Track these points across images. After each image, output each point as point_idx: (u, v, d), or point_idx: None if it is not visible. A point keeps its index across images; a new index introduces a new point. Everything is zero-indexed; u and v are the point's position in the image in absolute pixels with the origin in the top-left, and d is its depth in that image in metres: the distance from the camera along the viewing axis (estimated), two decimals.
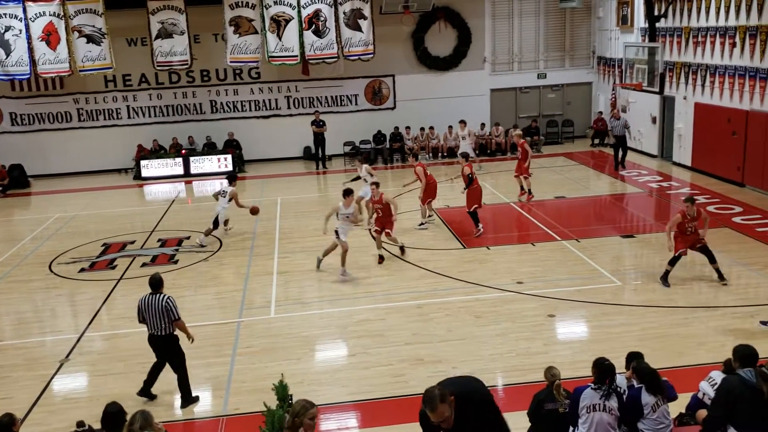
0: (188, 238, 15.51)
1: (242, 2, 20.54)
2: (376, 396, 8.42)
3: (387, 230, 13.19)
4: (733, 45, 17.28)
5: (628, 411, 6.19)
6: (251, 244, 14.83)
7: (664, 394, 6.22)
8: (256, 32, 20.66)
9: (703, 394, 6.48)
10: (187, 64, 21.26)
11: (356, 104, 24.24)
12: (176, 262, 13.96)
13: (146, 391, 8.59)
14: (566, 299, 11.04)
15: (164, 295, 8.28)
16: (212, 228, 14.92)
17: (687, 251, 11.35)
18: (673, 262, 11.28)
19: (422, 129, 23.65)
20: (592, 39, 24.86)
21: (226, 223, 15.50)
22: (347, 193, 12.69)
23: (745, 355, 6.00)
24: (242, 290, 12.18)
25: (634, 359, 6.70)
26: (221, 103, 23.78)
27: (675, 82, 19.93)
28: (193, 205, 19.47)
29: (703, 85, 18.67)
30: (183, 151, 22.68)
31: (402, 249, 13.47)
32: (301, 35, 20.51)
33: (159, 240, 15.53)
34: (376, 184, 13.71)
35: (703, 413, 6.23)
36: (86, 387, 9.23)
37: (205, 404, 8.58)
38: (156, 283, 8.34)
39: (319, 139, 22.54)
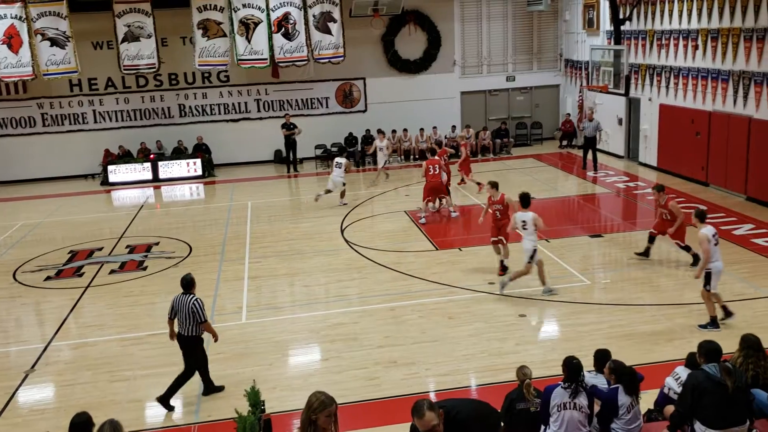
0: (157, 244, 15.35)
1: (210, 5, 20.38)
2: (350, 400, 8.40)
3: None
4: (696, 47, 17.64)
5: (603, 411, 6.24)
6: (221, 249, 14.72)
7: (638, 395, 6.31)
8: (224, 35, 20.52)
9: (669, 389, 6.61)
10: (154, 68, 21.03)
11: (327, 107, 24.22)
12: (145, 268, 13.80)
13: (209, 387, 8.63)
14: (537, 299, 11.16)
15: (193, 296, 8.40)
16: (327, 192, 17.42)
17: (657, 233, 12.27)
18: (649, 239, 12.48)
19: (394, 131, 23.72)
20: (559, 42, 25.18)
21: (327, 192, 17.50)
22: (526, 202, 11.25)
23: (709, 350, 6.13)
24: (213, 296, 12.06)
25: (603, 357, 6.81)
26: (190, 107, 23.57)
27: (640, 84, 20.28)
28: (162, 211, 19.27)
29: (667, 87, 19.03)
30: (151, 156, 22.43)
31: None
32: (270, 38, 20.43)
33: (127, 246, 15.33)
34: (494, 184, 12.45)
35: (670, 409, 6.34)
36: (53, 397, 9.06)
37: (177, 412, 8.48)
38: (187, 284, 8.47)
39: (290, 143, 22.47)
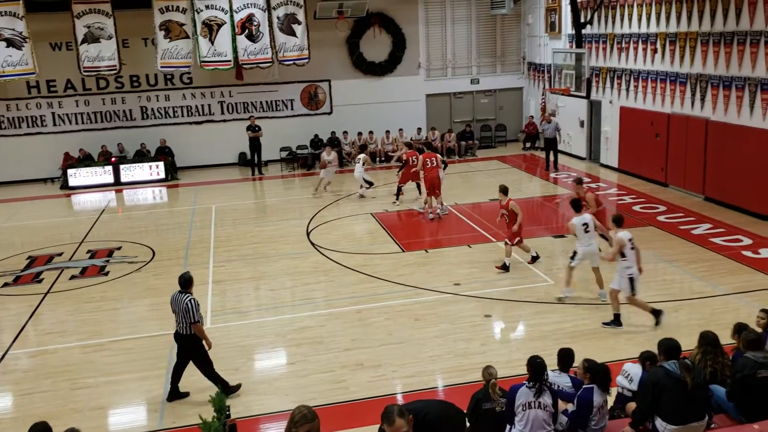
0: (119, 248, 15.10)
1: (173, 6, 20.13)
2: (317, 403, 8.36)
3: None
4: (655, 51, 18.02)
5: (578, 412, 6.28)
6: (185, 254, 14.55)
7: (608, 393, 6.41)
8: (187, 37, 20.30)
9: (622, 388, 6.72)
10: (115, 70, 20.68)
11: (292, 109, 24.12)
12: (107, 273, 13.56)
13: (175, 393, 8.51)
14: (502, 299, 11.27)
15: (188, 296, 8.28)
16: (368, 186, 18.25)
17: None
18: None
19: (360, 134, 23.73)
20: (522, 45, 25.48)
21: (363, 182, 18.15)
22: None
23: (669, 347, 6.26)
24: None
25: (566, 356, 6.90)
26: (152, 109, 23.25)
27: (601, 87, 20.64)
28: (124, 215, 18.97)
29: (627, 90, 19.39)
30: (113, 159, 22.06)
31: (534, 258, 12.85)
32: (234, 40, 20.26)
33: (88, 251, 15.05)
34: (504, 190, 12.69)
35: (632, 406, 6.46)
36: (11, 407, 8.84)
37: (141, 419, 8.36)
38: (184, 282, 8.38)
39: (255, 145, 22.33)
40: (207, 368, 8.50)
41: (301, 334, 10.34)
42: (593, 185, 18.92)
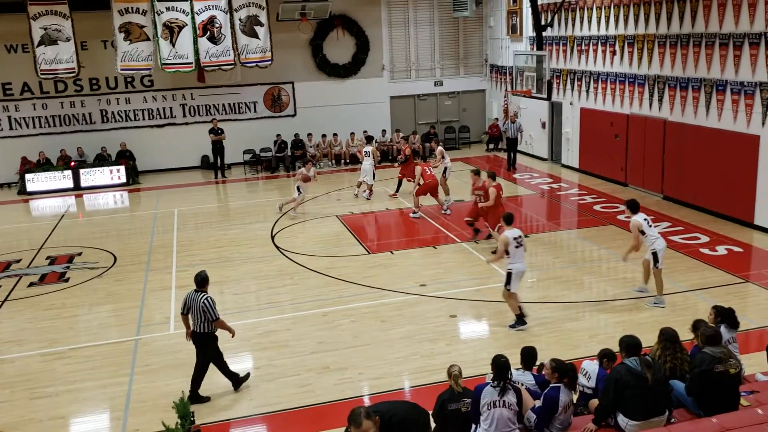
0: (80, 254, 14.81)
1: (132, 8, 19.81)
2: (283, 407, 8.34)
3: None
4: (614, 53, 18.36)
5: (543, 410, 6.33)
6: (147, 259, 14.34)
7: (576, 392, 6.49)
8: (148, 39, 19.99)
9: (582, 386, 6.82)
10: (74, 72, 20.27)
11: (255, 111, 23.96)
12: (67, 280, 13.29)
13: (195, 396, 8.41)
14: (467, 299, 11.35)
15: (204, 295, 8.32)
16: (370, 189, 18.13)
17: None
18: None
19: (324, 136, 23.67)
20: (484, 48, 25.73)
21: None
22: None
23: (630, 344, 6.38)
24: (139, 307, 11.75)
25: (529, 354, 6.98)
26: (112, 113, 22.88)
27: (562, 89, 20.94)
28: (85, 220, 18.61)
29: (587, 91, 19.72)
30: (72, 164, 21.64)
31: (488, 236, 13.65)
32: (195, 42, 20.03)
33: (48, 258, 14.73)
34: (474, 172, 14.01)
35: (594, 402, 6.56)
36: None
37: (103, 427, 8.22)
38: (200, 282, 8.43)
39: (218, 148, 22.12)
40: (204, 368, 8.54)
41: (267, 338, 10.27)
42: (555, 186, 19.19)
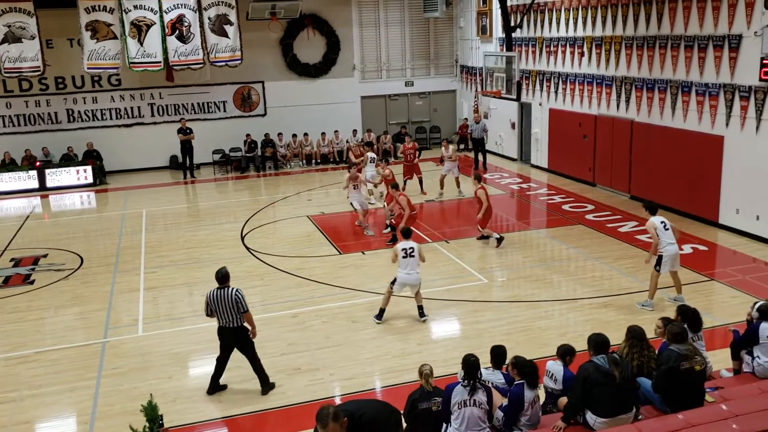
0: (45, 256, 14.54)
1: (99, 6, 19.51)
2: (254, 409, 8.29)
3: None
4: (582, 54, 18.59)
5: (509, 407, 6.38)
6: (115, 260, 14.13)
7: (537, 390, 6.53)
8: (115, 37, 19.70)
9: (550, 388, 6.89)
10: (39, 71, 19.89)
11: (225, 111, 23.76)
12: (32, 282, 13.03)
13: (215, 386, 8.60)
14: (438, 299, 11.39)
15: (233, 288, 8.36)
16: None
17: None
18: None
19: (294, 136, 23.57)
20: (454, 48, 25.85)
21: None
22: None
23: (598, 342, 6.45)
24: (107, 309, 11.57)
25: (499, 353, 7.03)
26: (79, 112, 22.50)
27: (531, 90, 21.14)
28: (51, 221, 18.27)
29: (556, 92, 19.93)
30: (37, 164, 21.23)
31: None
32: (164, 41, 19.80)
33: (12, 260, 14.43)
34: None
35: (563, 400, 6.62)
36: None
37: None
38: (223, 277, 8.46)
39: (187, 148, 21.90)
40: (255, 358, 8.58)
41: None
42: (524, 185, 19.36)
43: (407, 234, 10.80)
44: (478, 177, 14.07)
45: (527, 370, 6.45)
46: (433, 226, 15.53)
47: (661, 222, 10.45)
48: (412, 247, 10.36)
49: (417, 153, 18.56)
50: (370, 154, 18.18)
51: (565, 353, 6.94)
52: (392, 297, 10.65)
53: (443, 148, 18.31)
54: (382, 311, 10.58)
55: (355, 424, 4.99)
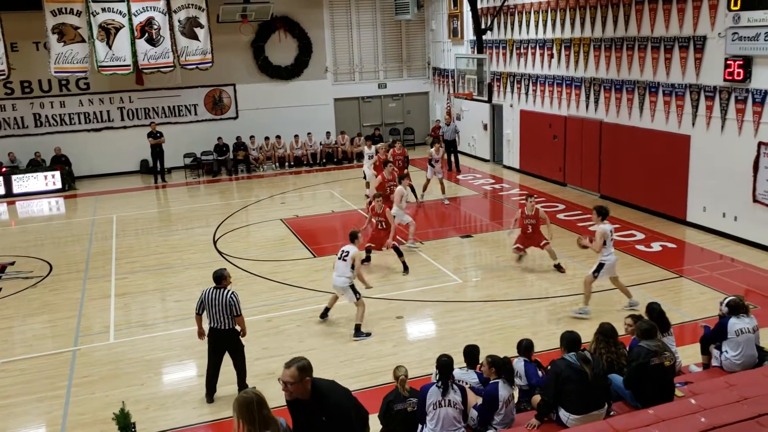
0: (12, 263, 14.27)
1: (66, 9, 19.21)
2: (228, 415, 8.21)
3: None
4: (551, 56, 18.79)
5: (485, 406, 6.41)
6: (85, 267, 13.93)
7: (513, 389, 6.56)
8: (83, 40, 19.42)
9: (518, 386, 6.96)
10: (3, 75, 19.46)
11: (196, 114, 23.57)
12: None
13: (212, 394, 8.55)
14: (413, 300, 11.43)
15: (229, 291, 8.31)
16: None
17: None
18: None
19: (267, 138, 23.46)
20: (427, 50, 25.96)
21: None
22: None
23: (570, 340, 6.52)
24: (77, 316, 11.40)
25: (471, 353, 7.07)
26: (46, 116, 22.16)
27: (502, 91, 21.31)
28: (18, 228, 17.93)
29: (526, 94, 20.11)
30: (3, 169, 20.84)
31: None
32: (133, 44, 19.58)
33: None
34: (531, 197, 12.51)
35: (537, 398, 6.69)
36: None
37: None
38: (219, 278, 8.40)
39: (157, 152, 21.68)
40: (243, 364, 8.52)
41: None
42: (497, 186, 19.50)
43: (352, 238, 10.54)
44: (528, 197, 12.69)
45: (505, 367, 6.49)
46: (407, 228, 15.52)
47: (611, 231, 10.24)
48: (347, 252, 10.21)
49: (405, 161, 17.48)
50: (367, 150, 18.17)
51: (526, 349, 7.01)
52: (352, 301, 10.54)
53: (434, 151, 18.13)
54: (326, 310, 10.75)
55: (321, 400, 5.00)
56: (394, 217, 13.06)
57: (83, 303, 11.99)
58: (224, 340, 8.42)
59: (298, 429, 5.22)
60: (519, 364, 6.90)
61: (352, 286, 10.28)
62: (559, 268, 12.30)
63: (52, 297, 12.39)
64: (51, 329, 11.06)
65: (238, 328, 8.45)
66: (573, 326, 8.65)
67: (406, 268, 12.61)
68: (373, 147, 18.24)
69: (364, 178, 18.15)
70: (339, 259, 10.30)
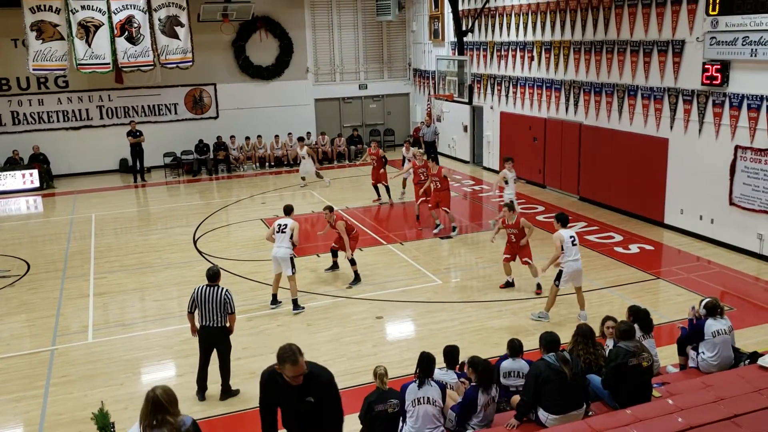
0: None
1: (45, 6, 19.00)
2: (209, 414, 8.19)
3: (526, 259, 11.64)
4: (532, 59, 18.93)
5: (463, 408, 6.46)
6: (63, 266, 13.79)
7: (495, 392, 6.58)
8: (62, 38, 19.21)
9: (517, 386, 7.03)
10: None
11: (176, 113, 23.42)
12: None
13: (228, 392, 8.56)
14: (393, 300, 11.46)
15: (223, 288, 8.35)
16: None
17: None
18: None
19: (248, 138, 23.36)
20: (407, 52, 26.02)
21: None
22: None
23: (549, 341, 6.60)
24: (55, 316, 11.29)
25: (451, 353, 7.11)
26: (24, 114, 21.90)
27: (482, 93, 21.43)
28: None
29: (507, 96, 20.25)
30: None
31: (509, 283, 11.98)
32: (112, 42, 19.39)
33: None
34: (510, 207, 11.74)
35: (516, 398, 6.75)
36: None
37: None
38: (213, 275, 8.46)
39: (137, 151, 21.50)
40: (227, 363, 8.53)
41: (190, 345, 10.00)
42: (477, 187, 19.60)
43: (288, 211, 11.43)
44: (510, 206, 11.88)
45: (480, 369, 6.52)
46: (388, 229, 15.60)
47: (570, 237, 10.12)
48: (285, 224, 10.99)
49: (383, 161, 17.56)
50: (299, 151, 19.14)
51: (515, 351, 7.06)
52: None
53: (404, 149, 18.38)
54: (281, 300, 11.29)
55: (314, 379, 5.25)
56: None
57: (61, 302, 11.87)
58: (214, 338, 8.44)
59: (286, 417, 5.40)
60: (519, 363, 6.94)
61: (292, 259, 10.94)
62: (539, 286, 11.68)
63: (30, 296, 12.25)
64: (29, 328, 10.94)
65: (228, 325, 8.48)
66: (552, 327, 8.75)
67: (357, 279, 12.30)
68: (305, 148, 19.41)
69: (303, 178, 19.02)
70: (278, 231, 10.96)
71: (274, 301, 11.26)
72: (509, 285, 11.83)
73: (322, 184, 19.44)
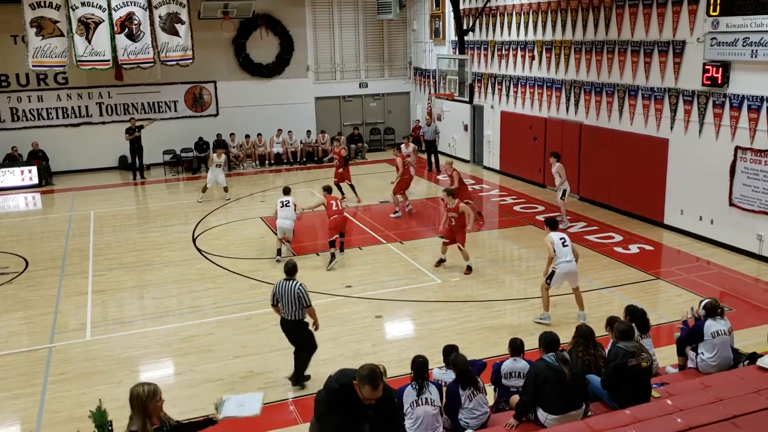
0: None
1: (45, 2, 18.95)
2: (207, 413, 8.14)
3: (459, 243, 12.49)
4: (533, 58, 18.91)
5: (448, 404, 6.49)
6: (62, 263, 13.77)
7: (477, 386, 6.60)
8: (62, 35, 19.15)
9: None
10: None
11: (176, 111, 23.39)
12: None
13: (299, 378, 8.73)
14: (392, 299, 11.44)
15: (297, 282, 8.49)
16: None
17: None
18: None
19: (247, 136, 23.34)
20: (408, 51, 26.00)
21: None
22: None
23: (549, 341, 6.58)
24: (53, 313, 11.26)
25: (450, 353, 7.10)
26: (24, 111, 21.86)
27: (483, 92, 21.40)
28: None
29: (507, 95, 20.23)
30: None
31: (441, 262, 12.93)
32: (113, 39, 19.34)
33: None
34: (450, 192, 12.63)
35: (515, 398, 6.74)
36: None
37: None
38: (290, 270, 8.66)
39: (136, 148, 21.47)
40: (309, 354, 8.69)
41: (188, 343, 10.04)
42: (477, 187, 19.59)
43: (287, 191, 13.66)
44: (451, 192, 12.69)
45: (458, 372, 6.58)
46: (387, 227, 15.58)
47: (560, 239, 10.18)
48: (287, 200, 13.35)
49: (343, 161, 17.59)
50: (216, 159, 18.50)
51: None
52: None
53: (404, 146, 18.28)
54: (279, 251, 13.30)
55: (383, 401, 5.28)
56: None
57: (59, 300, 11.85)
58: (292, 331, 8.61)
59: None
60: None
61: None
62: (469, 269, 12.59)
63: (28, 293, 12.23)
64: (26, 326, 10.92)
65: (308, 319, 8.60)
66: (551, 327, 8.73)
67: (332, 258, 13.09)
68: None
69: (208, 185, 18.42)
70: (282, 207, 13.20)
71: (279, 253, 13.30)
72: (442, 262, 12.92)
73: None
